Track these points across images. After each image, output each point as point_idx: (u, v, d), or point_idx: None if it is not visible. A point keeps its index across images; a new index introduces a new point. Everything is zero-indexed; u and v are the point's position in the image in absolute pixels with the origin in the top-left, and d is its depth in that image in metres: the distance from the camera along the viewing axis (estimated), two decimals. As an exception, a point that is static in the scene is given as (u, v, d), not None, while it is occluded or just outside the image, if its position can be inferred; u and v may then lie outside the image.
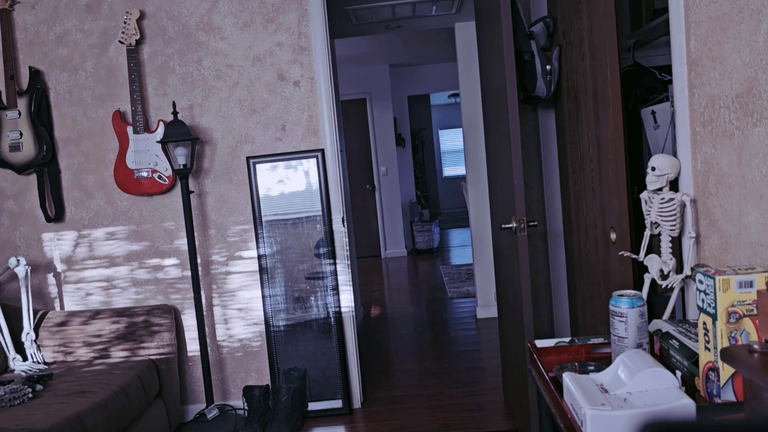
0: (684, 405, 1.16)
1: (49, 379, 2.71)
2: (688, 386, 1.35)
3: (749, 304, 1.24)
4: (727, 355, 1.09)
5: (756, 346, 1.05)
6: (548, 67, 2.74)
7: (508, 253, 2.69)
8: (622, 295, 1.47)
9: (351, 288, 3.24)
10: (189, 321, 3.27)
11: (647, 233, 1.91)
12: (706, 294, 1.29)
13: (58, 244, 3.30)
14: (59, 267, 3.31)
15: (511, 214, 2.50)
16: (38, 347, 3.06)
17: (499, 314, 3.12)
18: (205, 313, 3.27)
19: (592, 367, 1.49)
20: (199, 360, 3.28)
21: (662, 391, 1.22)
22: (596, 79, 2.24)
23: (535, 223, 2.43)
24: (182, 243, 3.25)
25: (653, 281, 1.94)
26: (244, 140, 3.20)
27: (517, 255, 2.44)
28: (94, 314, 3.11)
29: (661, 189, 1.81)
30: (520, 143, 2.35)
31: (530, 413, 2.50)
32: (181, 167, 2.99)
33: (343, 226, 3.20)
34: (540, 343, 1.65)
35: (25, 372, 2.88)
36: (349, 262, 3.23)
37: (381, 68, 7.79)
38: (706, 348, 1.30)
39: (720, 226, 1.65)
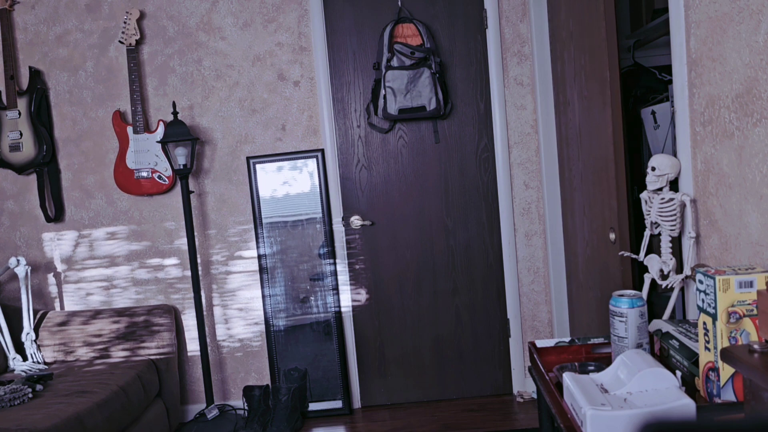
0: (684, 405, 1.16)
1: (49, 379, 2.71)
2: (688, 386, 1.35)
3: (749, 304, 1.24)
4: (727, 355, 1.09)
5: (756, 346, 1.05)
6: None
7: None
8: (622, 295, 1.47)
9: (351, 288, 3.24)
10: (189, 321, 3.27)
11: (647, 233, 1.91)
12: (706, 294, 1.29)
13: (58, 244, 3.30)
14: (59, 267, 3.31)
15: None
16: (38, 347, 3.06)
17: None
18: (205, 313, 3.26)
19: (592, 367, 1.49)
20: (199, 360, 3.28)
21: (662, 391, 1.22)
22: (596, 79, 2.24)
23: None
24: (182, 243, 3.25)
25: (653, 281, 1.94)
26: (244, 140, 3.20)
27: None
28: (95, 314, 3.11)
29: (661, 189, 1.81)
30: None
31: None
32: (181, 167, 2.99)
33: (343, 226, 3.20)
34: (540, 343, 1.65)
35: (25, 372, 2.88)
36: (348, 262, 3.23)
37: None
38: (706, 348, 1.30)
39: (720, 226, 1.65)
